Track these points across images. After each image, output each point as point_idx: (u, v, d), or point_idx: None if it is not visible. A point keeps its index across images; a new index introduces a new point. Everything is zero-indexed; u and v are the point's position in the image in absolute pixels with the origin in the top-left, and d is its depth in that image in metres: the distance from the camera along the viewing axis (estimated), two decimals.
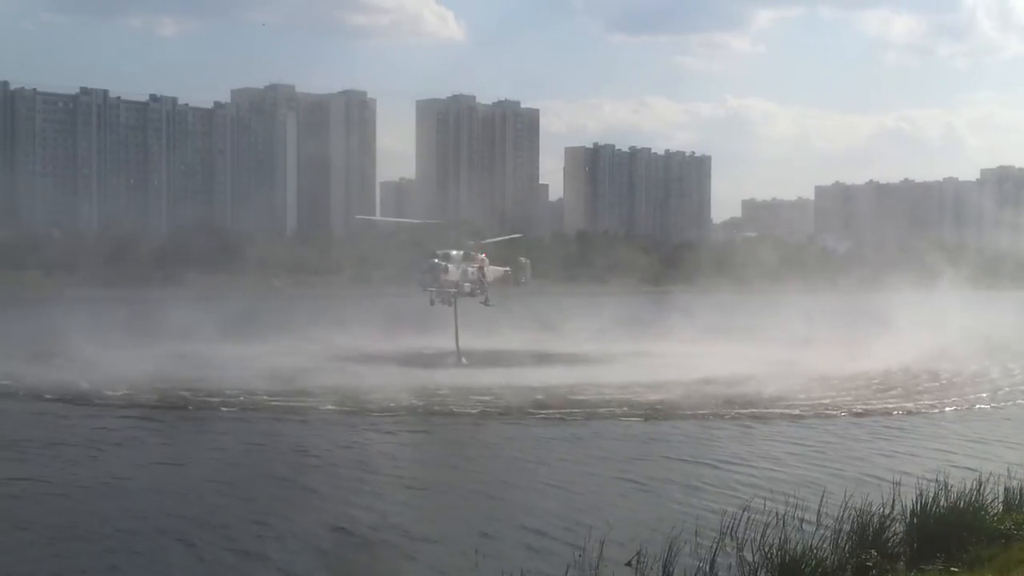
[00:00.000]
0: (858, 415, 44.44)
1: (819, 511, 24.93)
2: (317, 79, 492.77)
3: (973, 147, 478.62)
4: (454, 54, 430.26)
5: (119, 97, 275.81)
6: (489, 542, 24.27)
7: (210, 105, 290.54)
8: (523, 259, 74.51)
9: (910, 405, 47.35)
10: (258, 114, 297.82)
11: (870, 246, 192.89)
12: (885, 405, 47.24)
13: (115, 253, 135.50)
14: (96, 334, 70.81)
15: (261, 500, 28.29)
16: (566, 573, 20.94)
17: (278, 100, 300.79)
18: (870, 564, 20.80)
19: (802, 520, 24.51)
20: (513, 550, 23.65)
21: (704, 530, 23.99)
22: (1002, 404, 48.91)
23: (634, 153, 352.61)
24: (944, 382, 56.27)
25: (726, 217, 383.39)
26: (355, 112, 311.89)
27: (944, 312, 76.15)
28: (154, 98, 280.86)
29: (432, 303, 65.50)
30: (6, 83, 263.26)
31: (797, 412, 44.68)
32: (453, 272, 64.85)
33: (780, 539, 21.34)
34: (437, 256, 64.98)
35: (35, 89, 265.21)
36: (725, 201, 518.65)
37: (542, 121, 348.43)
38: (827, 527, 23.35)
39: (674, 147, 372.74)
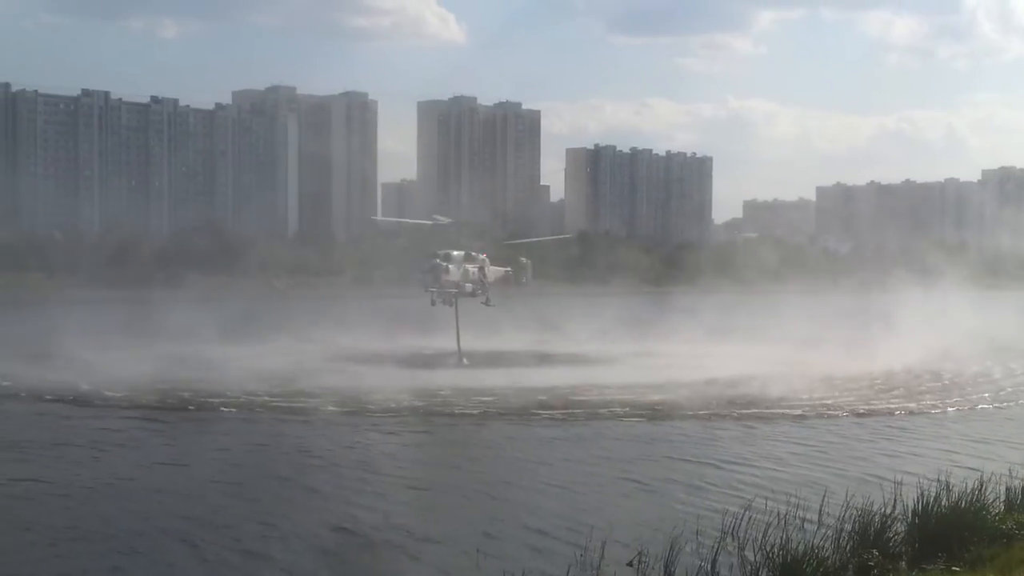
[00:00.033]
0: (860, 415, 44.44)
1: (821, 511, 24.94)
2: (318, 81, 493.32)
3: (974, 148, 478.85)
4: (455, 56, 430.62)
5: (120, 99, 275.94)
6: (491, 542, 24.30)
7: (211, 107, 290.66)
8: (524, 259, 74.52)
9: (912, 405, 47.36)
10: (259, 116, 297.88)
11: (871, 247, 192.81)
12: (887, 405, 47.25)
13: (116, 255, 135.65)
14: (97, 335, 70.93)
15: (264, 500, 28.33)
16: (568, 573, 20.97)
17: (279, 102, 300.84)
18: (872, 564, 20.81)
19: (804, 520, 24.54)
20: (515, 550, 23.67)
21: (706, 530, 24.02)
22: (1004, 404, 48.92)
23: (635, 154, 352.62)
24: (946, 382, 56.28)
25: (727, 218, 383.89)
26: (356, 114, 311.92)
27: (945, 312, 76.07)
28: (155, 100, 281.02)
29: (433, 303, 65.50)
30: (7, 85, 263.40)
31: (799, 412, 44.70)
32: (454, 272, 64.88)
33: (782, 539, 21.36)
34: (438, 256, 65.01)
35: (36, 91, 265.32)
36: (726, 202, 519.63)
37: (543, 122, 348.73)
38: (829, 527, 23.38)
39: (675, 148, 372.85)
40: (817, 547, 20.82)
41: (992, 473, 25.98)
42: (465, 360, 63.01)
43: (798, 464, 33.66)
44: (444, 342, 66.86)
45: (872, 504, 23.13)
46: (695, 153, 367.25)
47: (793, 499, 25.60)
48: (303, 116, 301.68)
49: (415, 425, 41.83)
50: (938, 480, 24.49)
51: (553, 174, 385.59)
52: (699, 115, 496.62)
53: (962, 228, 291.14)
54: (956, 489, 23.76)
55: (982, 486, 23.96)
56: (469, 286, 66.20)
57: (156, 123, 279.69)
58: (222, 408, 44.86)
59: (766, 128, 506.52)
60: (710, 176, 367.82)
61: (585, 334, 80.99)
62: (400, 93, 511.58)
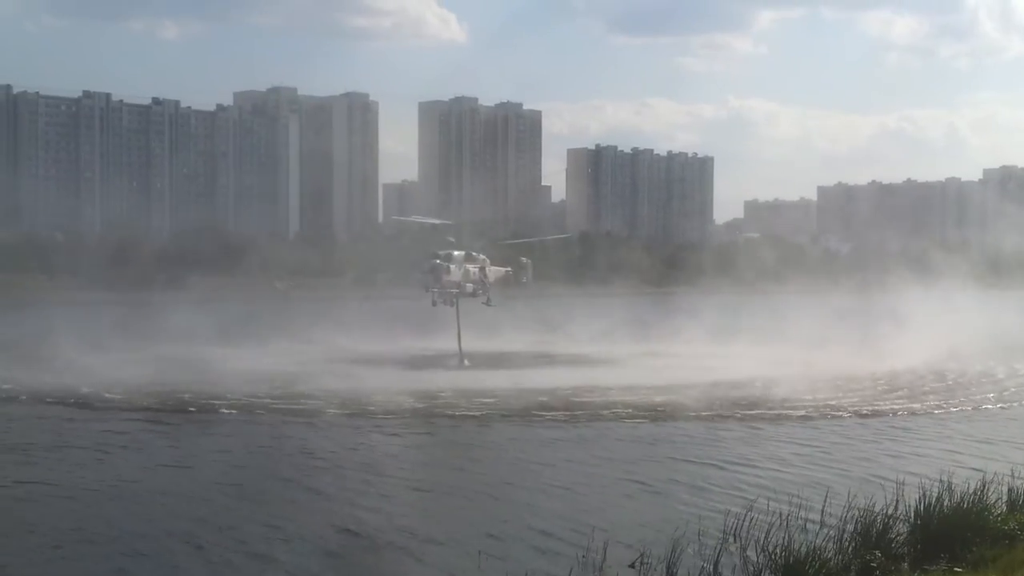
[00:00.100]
0: (864, 416, 44.42)
1: (824, 512, 24.96)
2: (319, 82, 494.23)
3: (975, 147, 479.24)
4: (456, 56, 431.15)
5: (122, 100, 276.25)
6: (494, 543, 24.33)
7: (212, 108, 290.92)
8: (524, 259, 74.61)
9: (916, 405, 47.36)
10: (260, 117, 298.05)
11: (873, 246, 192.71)
12: (891, 406, 47.25)
13: (117, 256, 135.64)
14: (97, 337, 70.99)
15: (268, 502, 28.36)
16: (570, 574, 21.00)
17: (280, 103, 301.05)
18: (874, 565, 20.82)
19: (807, 521, 24.57)
20: (518, 551, 23.71)
21: (708, 531, 24.05)
22: (1008, 404, 48.92)
23: (636, 154, 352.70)
24: (950, 382, 56.30)
25: (728, 218, 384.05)
26: (357, 114, 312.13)
27: (948, 312, 76.11)
28: (156, 101, 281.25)
29: (434, 304, 65.56)
30: (9, 86, 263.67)
31: (803, 413, 44.70)
32: (455, 272, 64.94)
33: (784, 540, 21.37)
34: (439, 256, 65.06)
35: (38, 92, 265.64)
36: (727, 202, 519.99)
37: (544, 123, 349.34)
38: (832, 527, 23.39)
39: (676, 148, 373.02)
40: (820, 548, 20.84)
41: (995, 473, 25.98)
42: (466, 361, 63.06)
43: (801, 465, 33.66)
44: (445, 343, 66.88)
45: (875, 505, 23.15)
46: (696, 153, 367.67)
47: (796, 500, 25.60)
48: (304, 117, 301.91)
49: (417, 427, 41.85)
50: (940, 481, 24.45)
51: (554, 175, 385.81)
52: (700, 115, 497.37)
53: (963, 227, 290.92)
54: (959, 490, 23.75)
55: (985, 487, 23.97)
56: (470, 286, 66.29)
57: (157, 124, 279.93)
58: (223, 410, 44.89)
59: (767, 128, 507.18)
60: (711, 176, 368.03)
61: (587, 335, 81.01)
62: (401, 94, 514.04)
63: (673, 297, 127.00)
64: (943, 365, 61.78)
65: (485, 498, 29.48)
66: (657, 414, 44.15)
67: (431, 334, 72.84)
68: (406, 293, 76.50)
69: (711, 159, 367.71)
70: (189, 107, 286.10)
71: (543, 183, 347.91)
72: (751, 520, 23.62)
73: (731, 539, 23.44)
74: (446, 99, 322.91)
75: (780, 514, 23.95)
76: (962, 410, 46.81)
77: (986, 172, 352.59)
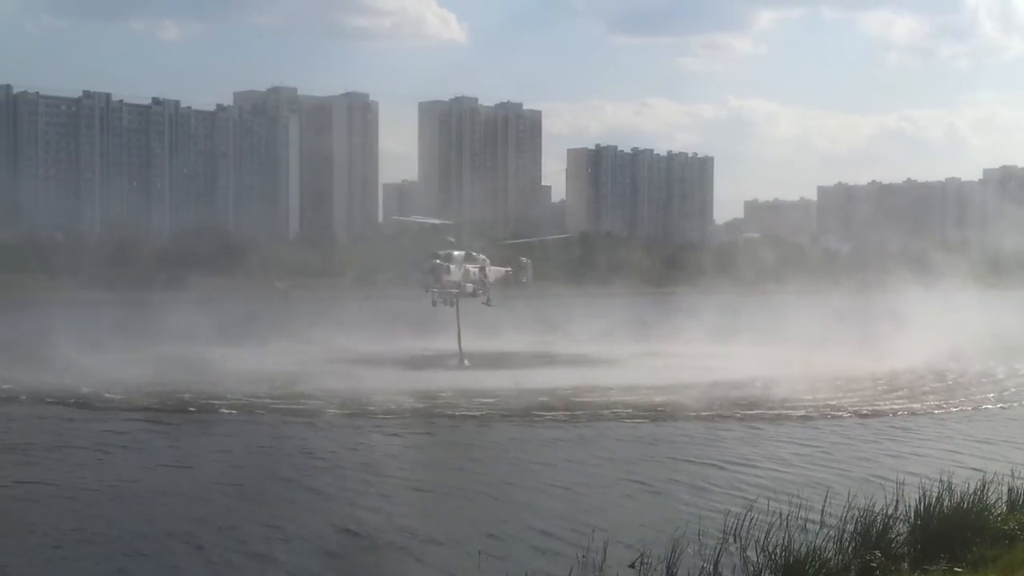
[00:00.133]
0: (864, 416, 44.42)
1: (824, 512, 24.96)
2: (319, 82, 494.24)
3: (975, 147, 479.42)
4: (456, 56, 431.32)
5: (122, 100, 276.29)
6: (495, 543, 24.34)
7: (212, 108, 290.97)
8: (524, 259, 74.68)
9: (916, 406, 47.35)
10: (260, 117, 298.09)
11: (873, 247, 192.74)
12: (891, 406, 47.25)
13: (117, 256, 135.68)
14: (97, 337, 71.02)
15: (268, 502, 28.38)
16: (570, 574, 20.99)
17: (280, 103, 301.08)
18: (874, 565, 20.81)
19: (807, 521, 24.57)
20: (518, 551, 23.72)
21: (708, 531, 24.05)
22: (1008, 404, 48.93)
23: (636, 154, 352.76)
24: (950, 382, 56.31)
25: (728, 218, 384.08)
26: (357, 114, 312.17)
27: (948, 312, 76.11)
28: (156, 101, 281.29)
29: (434, 304, 65.61)
30: (9, 87, 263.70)
31: (803, 413, 44.70)
32: (455, 272, 64.98)
33: (784, 540, 21.36)
34: (439, 256, 65.10)
35: (38, 92, 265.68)
36: (727, 202, 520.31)
37: (544, 123, 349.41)
38: (832, 527, 23.38)
39: (676, 148, 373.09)
40: (820, 548, 20.83)
41: (995, 473, 25.98)
42: (466, 361, 63.05)
43: (801, 465, 33.67)
44: (445, 343, 66.89)
45: (875, 505, 23.15)
46: (696, 153, 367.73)
47: (796, 500, 25.61)
48: (304, 117, 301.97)
49: (417, 427, 41.86)
50: (940, 481, 24.45)
51: (554, 175, 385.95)
52: (700, 115, 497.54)
53: (963, 227, 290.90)
54: (959, 490, 23.74)
55: (984, 487, 23.96)
56: (470, 286, 66.34)
57: (157, 124, 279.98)
58: (223, 410, 44.89)
59: (767, 128, 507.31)
60: (711, 176, 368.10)
61: (587, 335, 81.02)
62: (401, 94, 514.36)
63: (673, 297, 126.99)
64: (943, 365, 61.80)
65: (485, 498, 29.49)
66: (657, 414, 44.16)
67: (431, 334, 72.85)
68: (406, 293, 76.53)
69: (711, 159, 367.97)
70: (189, 107, 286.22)
71: (543, 183, 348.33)
72: (751, 520, 23.62)
73: (731, 539, 23.43)
74: (446, 99, 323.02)
75: (780, 514, 23.95)
76: (962, 410, 46.82)
77: (986, 172, 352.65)
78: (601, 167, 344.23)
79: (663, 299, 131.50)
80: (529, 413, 44.10)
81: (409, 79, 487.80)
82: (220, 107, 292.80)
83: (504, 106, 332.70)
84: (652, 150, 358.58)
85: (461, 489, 30.68)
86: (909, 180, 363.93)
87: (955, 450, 36.58)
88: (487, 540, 24.53)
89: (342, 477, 31.68)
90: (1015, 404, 49.11)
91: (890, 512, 22.80)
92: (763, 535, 22.58)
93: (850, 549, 21.36)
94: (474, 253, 67.72)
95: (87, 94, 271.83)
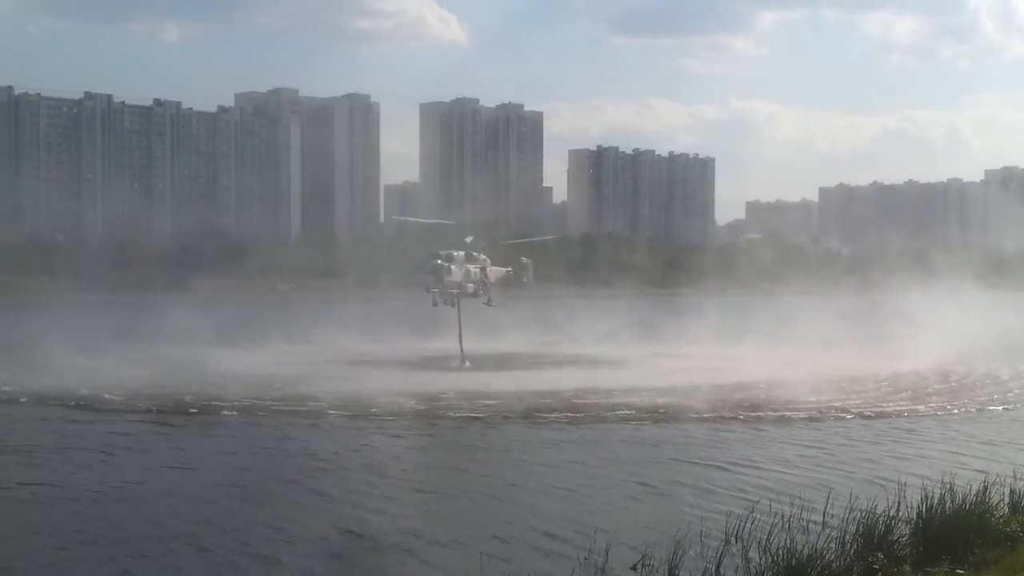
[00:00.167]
0: (868, 417, 44.40)
1: (826, 513, 24.92)
2: (320, 83, 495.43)
3: (977, 148, 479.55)
4: (457, 57, 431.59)
5: (123, 102, 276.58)
6: (498, 545, 24.38)
7: (214, 109, 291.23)
8: (524, 259, 74.77)
9: (920, 407, 47.30)
10: (262, 118, 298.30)
11: (874, 247, 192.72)
12: (895, 407, 47.22)
13: (119, 257, 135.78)
14: (97, 339, 71.10)
15: (272, 503, 28.42)
16: None
17: (282, 104, 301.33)
18: (876, 567, 20.78)
19: (809, 522, 24.53)
20: (521, 553, 23.76)
21: (711, 532, 24.05)
22: (1012, 406, 48.90)
23: (638, 155, 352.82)
24: (954, 384, 56.29)
25: (730, 219, 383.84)
26: (359, 116, 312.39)
27: (951, 313, 76.01)
28: (158, 102, 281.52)
29: (435, 304, 65.67)
30: (10, 88, 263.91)
31: (807, 415, 44.66)
32: (456, 273, 65.06)
33: (787, 542, 21.36)
34: (440, 257, 65.16)
35: (39, 94, 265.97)
36: (729, 203, 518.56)
37: (545, 124, 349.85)
38: (834, 529, 23.38)
39: (678, 149, 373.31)
40: (822, 550, 20.82)
41: (997, 475, 26.00)
42: (467, 363, 62.98)
43: (805, 466, 33.67)
44: (446, 344, 66.91)
45: (877, 507, 23.13)
46: (697, 154, 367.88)
47: (799, 501, 25.59)
48: (306, 118, 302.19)
49: (420, 428, 41.90)
50: (943, 482, 24.44)
51: (556, 175, 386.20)
52: (701, 116, 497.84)
53: (965, 228, 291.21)
54: (961, 491, 23.73)
55: (987, 488, 23.97)
56: (471, 286, 66.44)
57: (159, 126, 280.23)
58: (226, 412, 44.91)
59: (768, 129, 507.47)
60: (712, 177, 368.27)
61: (589, 336, 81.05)
62: (402, 95, 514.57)
63: (675, 298, 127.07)
64: (947, 366, 61.71)
65: (488, 499, 29.52)
66: (661, 416, 44.13)
67: (432, 335, 72.89)
68: (407, 294, 76.59)
69: (712, 160, 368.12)
70: (191, 108, 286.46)
71: (544, 184, 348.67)
72: (754, 522, 23.61)
73: (733, 540, 23.42)
74: (447, 100, 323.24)
75: (783, 515, 23.95)
76: (966, 411, 46.80)
77: (987, 173, 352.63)
78: (602, 168, 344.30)
79: (665, 300, 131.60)
80: (532, 414, 44.08)
81: (410, 80, 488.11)
82: (222, 108, 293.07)
83: (505, 107, 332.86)
84: (654, 151, 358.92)
85: (464, 490, 30.72)
86: (910, 181, 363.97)
87: (958, 452, 36.58)
88: (490, 541, 24.57)
89: (345, 478, 31.71)
90: (1019, 405, 49.10)
91: (892, 514, 22.79)
92: (766, 536, 22.57)
93: (852, 551, 21.35)
94: (475, 253, 67.80)
95: (88, 95, 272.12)
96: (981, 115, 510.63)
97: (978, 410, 47.39)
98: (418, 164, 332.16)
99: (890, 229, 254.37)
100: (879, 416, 44.82)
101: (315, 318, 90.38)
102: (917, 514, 22.89)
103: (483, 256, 68.54)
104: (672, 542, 21.99)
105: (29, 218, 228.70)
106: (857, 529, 22.20)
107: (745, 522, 23.65)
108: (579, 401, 48.03)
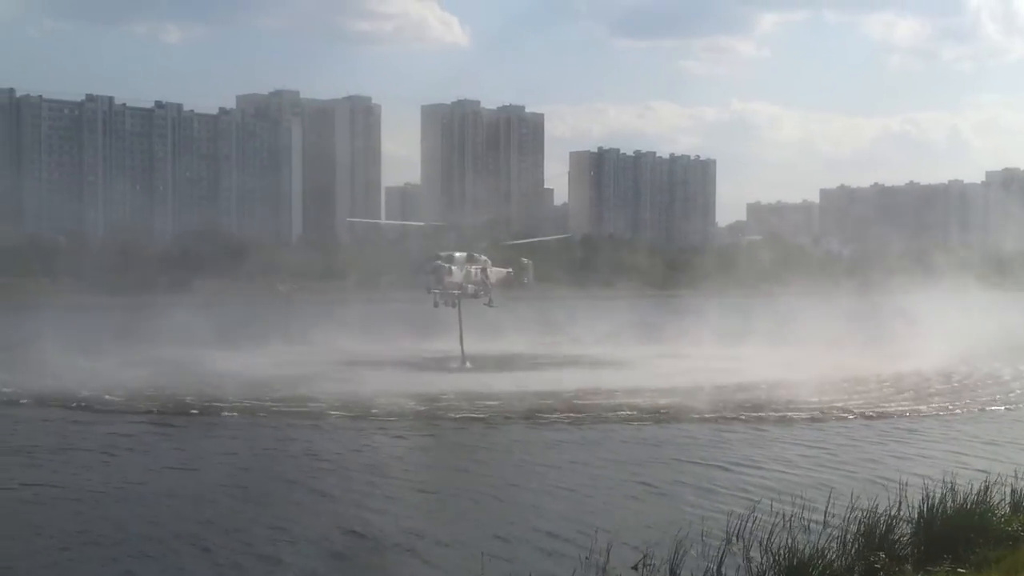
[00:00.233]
0: (870, 417, 44.42)
1: (828, 513, 24.93)
2: (322, 85, 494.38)
3: (978, 149, 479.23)
4: (458, 59, 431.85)
5: (124, 104, 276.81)
6: (500, 545, 24.40)
7: (215, 111, 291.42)
8: (525, 260, 74.82)
9: (922, 407, 47.34)
10: (263, 120, 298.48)
11: (876, 249, 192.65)
12: (897, 407, 47.26)
13: (120, 259, 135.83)
14: (98, 340, 71.12)
15: (274, 504, 28.46)
16: None
17: (283, 106, 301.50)
18: (878, 566, 20.77)
19: (811, 522, 24.57)
20: (523, 553, 23.78)
21: (712, 532, 24.05)
22: (1014, 406, 48.94)
23: (639, 157, 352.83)
24: (956, 384, 56.31)
25: (731, 220, 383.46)
26: (360, 118, 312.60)
27: (952, 314, 76.02)
28: (159, 104, 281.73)
29: (436, 305, 65.72)
30: (12, 90, 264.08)
31: (809, 415, 44.68)
32: (457, 274, 65.10)
33: (788, 541, 21.37)
34: (440, 258, 65.20)
35: (41, 96, 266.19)
36: (730, 204, 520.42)
37: (547, 126, 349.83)
38: (836, 528, 23.38)
39: (679, 151, 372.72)
40: (823, 549, 20.83)
41: (999, 475, 26.01)
42: (468, 364, 62.94)
43: (807, 466, 33.69)
44: (447, 345, 66.93)
45: (878, 506, 23.13)
46: (698, 156, 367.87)
47: (800, 501, 25.60)
48: (307, 120, 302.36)
49: (421, 429, 41.94)
50: (943, 482, 24.46)
51: (557, 177, 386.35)
52: (702, 118, 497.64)
53: (966, 230, 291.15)
54: (962, 491, 23.76)
55: (988, 488, 23.98)
56: (472, 287, 66.45)
57: (160, 128, 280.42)
58: (227, 413, 44.95)
59: (769, 130, 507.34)
60: (713, 179, 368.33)
61: (590, 337, 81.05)
62: (403, 97, 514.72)
63: (676, 299, 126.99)
64: (949, 367, 61.73)
65: (490, 500, 29.55)
66: (662, 416, 44.16)
67: (433, 336, 72.91)
68: (408, 295, 76.59)
69: (713, 162, 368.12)
70: (192, 110, 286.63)
71: (545, 186, 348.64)
72: (755, 521, 23.60)
73: (735, 540, 23.41)
74: (448, 102, 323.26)
75: (784, 515, 23.96)
76: (968, 411, 46.84)
77: (989, 174, 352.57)
78: (603, 170, 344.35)
79: (666, 301, 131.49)
80: (533, 415, 44.12)
81: (411, 82, 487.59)
82: (223, 110, 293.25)
83: (506, 109, 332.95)
84: (655, 153, 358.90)
85: (466, 491, 30.76)
86: (912, 182, 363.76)
87: (960, 451, 36.61)
88: (492, 541, 24.59)
89: (347, 479, 31.74)
90: (1020, 405, 49.17)
91: (894, 513, 22.80)
92: (767, 536, 22.58)
93: (853, 550, 21.35)
94: (475, 254, 67.84)
95: (90, 97, 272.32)
96: (982, 117, 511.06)
97: (980, 410, 47.43)
98: (419, 166, 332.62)
99: (891, 230, 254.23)
100: (881, 416, 44.83)
101: (315, 319, 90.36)
102: (919, 513, 22.88)
103: (484, 257, 68.59)
104: (673, 542, 21.99)
105: (30, 220, 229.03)
106: (859, 529, 22.21)
107: (746, 522, 23.65)
108: (580, 402, 48.03)
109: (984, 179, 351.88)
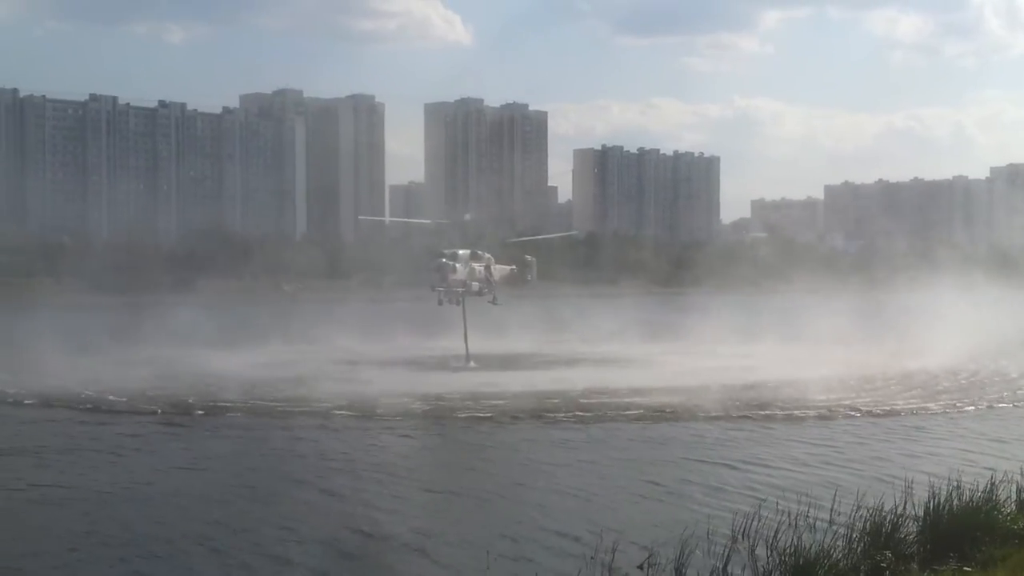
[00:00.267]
0: (878, 415, 44.33)
1: (835, 511, 24.94)
2: (325, 84, 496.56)
3: (982, 145, 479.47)
4: (462, 57, 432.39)
5: (128, 103, 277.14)
6: (506, 544, 24.44)
7: (219, 110, 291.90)
8: (529, 257, 74.86)
9: (930, 405, 47.27)
10: (267, 119, 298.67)
11: (880, 245, 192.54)
12: (906, 405, 47.18)
13: (125, 259, 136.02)
14: (102, 340, 71.26)
15: (282, 504, 28.50)
16: (578, 575, 21.02)
17: (286, 105, 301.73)
18: (884, 565, 20.76)
19: (817, 520, 24.57)
20: (530, 552, 23.82)
21: (719, 531, 24.02)
22: (1022, 403, 48.82)
23: (642, 154, 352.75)
24: (963, 381, 56.19)
25: (735, 217, 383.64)
26: (363, 116, 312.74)
27: (958, 311, 75.93)
28: (163, 104, 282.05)
29: (440, 303, 65.78)
30: (15, 90, 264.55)
31: (817, 413, 44.61)
32: (461, 271, 65.13)
33: (794, 540, 21.37)
34: (444, 255, 65.25)
35: (44, 96, 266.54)
36: (734, 201, 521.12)
37: (550, 123, 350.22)
38: (842, 527, 23.39)
39: (682, 148, 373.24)
40: (830, 548, 20.83)
41: (1006, 472, 25.95)
42: (472, 363, 62.87)
43: (815, 464, 33.65)
44: (452, 343, 66.93)
45: (884, 504, 23.13)
46: (702, 153, 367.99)
47: (807, 500, 25.60)
48: (310, 119, 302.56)
49: (428, 428, 41.97)
50: (950, 480, 24.44)
51: (561, 175, 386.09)
52: (706, 115, 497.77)
53: (971, 225, 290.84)
54: (969, 489, 23.73)
55: (994, 486, 23.96)
56: (476, 285, 66.49)
57: (164, 127, 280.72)
58: (233, 413, 44.97)
59: (773, 127, 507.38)
60: (717, 176, 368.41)
61: (596, 335, 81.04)
62: (407, 95, 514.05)
63: (680, 297, 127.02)
64: (957, 364, 61.63)
65: (497, 499, 29.59)
66: (670, 415, 44.06)
67: (438, 335, 72.95)
68: (413, 294, 76.59)
69: (717, 159, 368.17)
70: (195, 110, 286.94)
71: (549, 184, 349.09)
72: (762, 520, 23.59)
73: (741, 539, 23.40)
74: (452, 100, 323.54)
75: (791, 514, 23.95)
76: (976, 409, 46.75)
77: (993, 170, 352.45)
78: (607, 167, 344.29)
79: (670, 299, 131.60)
80: (540, 414, 44.11)
81: (415, 81, 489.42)
82: (226, 109, 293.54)
83: (510, 107, 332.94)
84: (658, 150, 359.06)
85: (473, 490, 30.78)
86: (916, 179, 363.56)
87: (968, 449, 36.54)
88: (499, 540, 24.63)
89: (355, 479, 31.77)
90: None
91: (900, 511, 22.77)
92: (773, 535, 22.57)
93: (860, 549, 21.33)
94: (479, 252, 67.89)
95: (93, 97, 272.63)
96: (986, 112, 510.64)
97: (988, 407, 47.32)
98: (423, 164, 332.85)
99: (895, 227, 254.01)
100: (889, 414, 44.76)
101: (320, 318, 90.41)
102: (925, 512, 22.86)
103: (487, 255, 68.63)
104: (679, 540, 21.97)
105: (34, 220, 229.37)
106: (865, 527, 22.20)
107: (753, 520, 23.63)
108: (587, 400, 47.99)
109: (988, 175, 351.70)
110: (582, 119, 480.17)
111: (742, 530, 23.62)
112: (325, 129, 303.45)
